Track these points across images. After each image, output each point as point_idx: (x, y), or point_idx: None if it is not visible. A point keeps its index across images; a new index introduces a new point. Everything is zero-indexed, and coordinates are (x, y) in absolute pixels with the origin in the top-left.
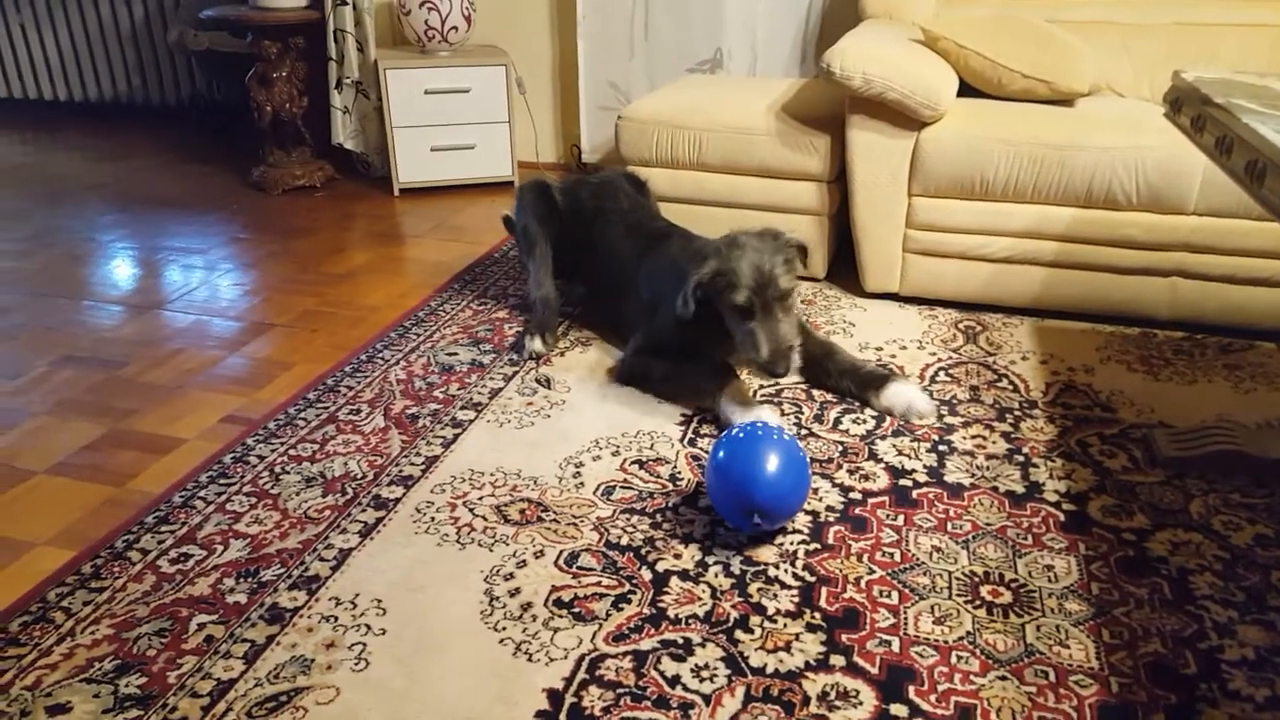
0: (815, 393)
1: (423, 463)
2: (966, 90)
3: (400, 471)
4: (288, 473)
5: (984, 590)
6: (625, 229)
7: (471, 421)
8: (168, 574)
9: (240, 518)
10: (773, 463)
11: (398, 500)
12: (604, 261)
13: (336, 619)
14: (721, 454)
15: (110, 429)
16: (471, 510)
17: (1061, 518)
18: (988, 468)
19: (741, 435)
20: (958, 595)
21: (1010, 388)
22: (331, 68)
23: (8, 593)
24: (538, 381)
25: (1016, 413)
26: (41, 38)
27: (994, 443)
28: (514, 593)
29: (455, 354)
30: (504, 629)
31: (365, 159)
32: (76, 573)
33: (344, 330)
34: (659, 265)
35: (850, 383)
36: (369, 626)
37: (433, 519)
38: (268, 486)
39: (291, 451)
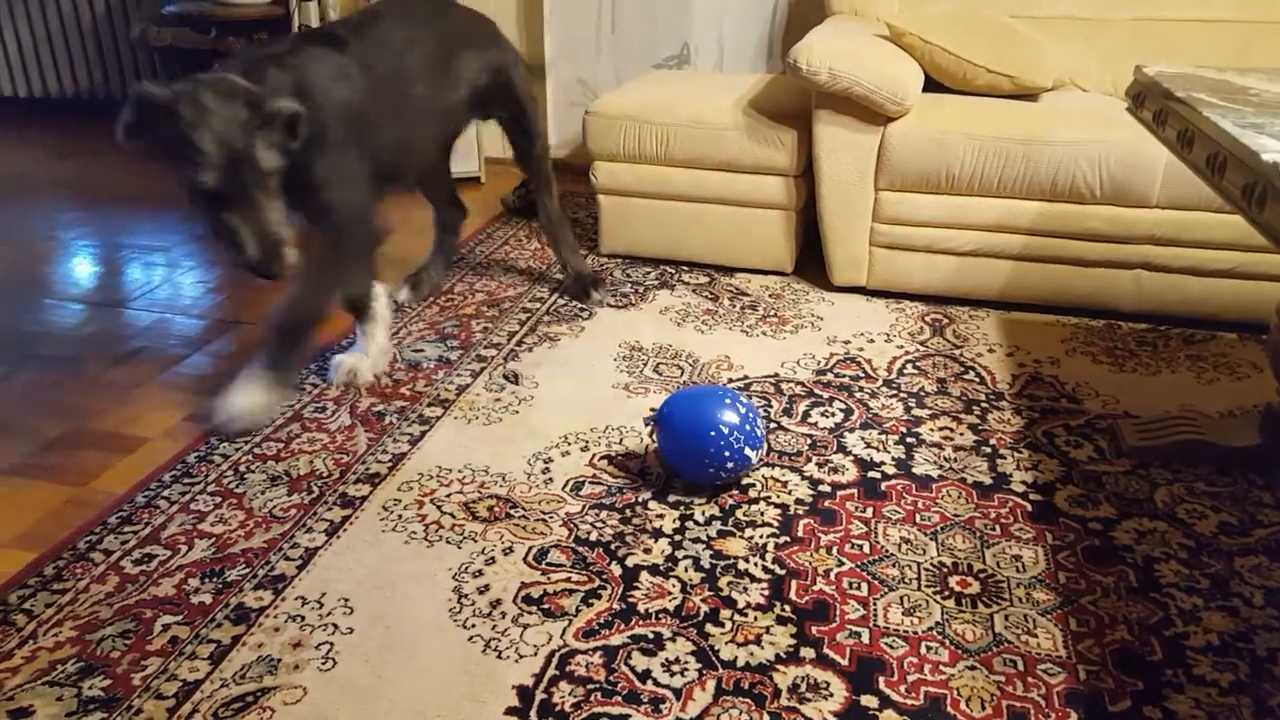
0: (784, 386)
1: (389, 460)
2: (932, 85)
3: (367, 469)
4: (253, 472)
5: (952, 581)
6: None
7: (439, 418)
8: (131, 575)
9: (205, 517)
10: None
11: (364, 498)
12: None
13: (303, 618)
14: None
15: (71, 428)
16: (439, 508)
17: (1029, 508)
18: (955, 459)
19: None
20: (926, 586)
21: (977, 380)
22: None
23: None
24: (505, 378)
25: (983, 404)
26: (2, 34)
27: (961, 434)
28: (483, 590)
29: (422, 350)
30: (473, 626)
31: None
32: (38, 574)
33: None
34: None
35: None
36: (336, 626)
37: (400, 517)
38: (232, 486)
39: (256, 450)
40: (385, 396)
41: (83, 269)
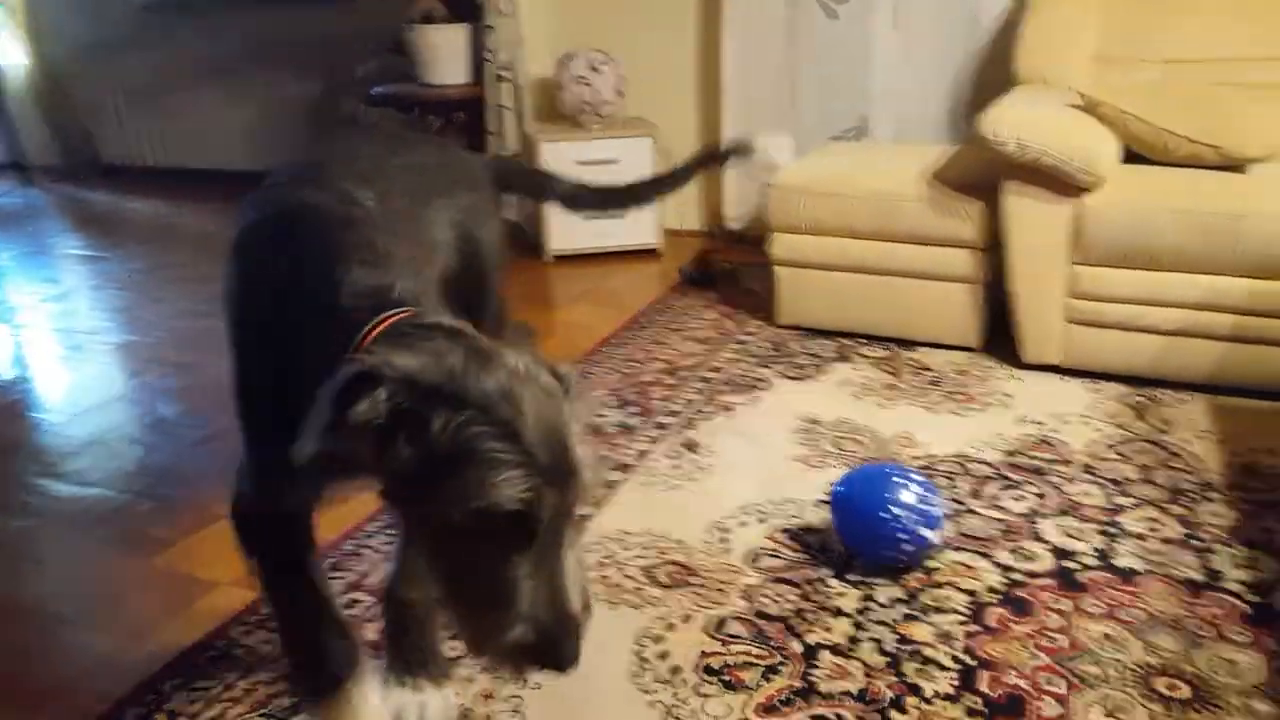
0: (971, 467)
1: None
2: (1132, 157)
3: None
4: None
5: (1160, 683)
6: None
7: (620, 482)
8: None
9: None
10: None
11: None
12: None
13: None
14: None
15: None
16: (621, 570)
17: (1246, 609)
18: (1161, 552)
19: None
20: (1131, 687)
21: (1185, 468)
22: (490, 141)
23: (197, 628)
24: (684, 445)
25: (1192, 495)
26: (230, 112)
27: (1168, 526)
28: (663, 656)
29: (604, 415)
30: (654, 692)
31: (520, 226)
32: (256, 612)
33: None
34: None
35: None
36: (525, 680)
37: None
38: None
39: None
40: None
41: None
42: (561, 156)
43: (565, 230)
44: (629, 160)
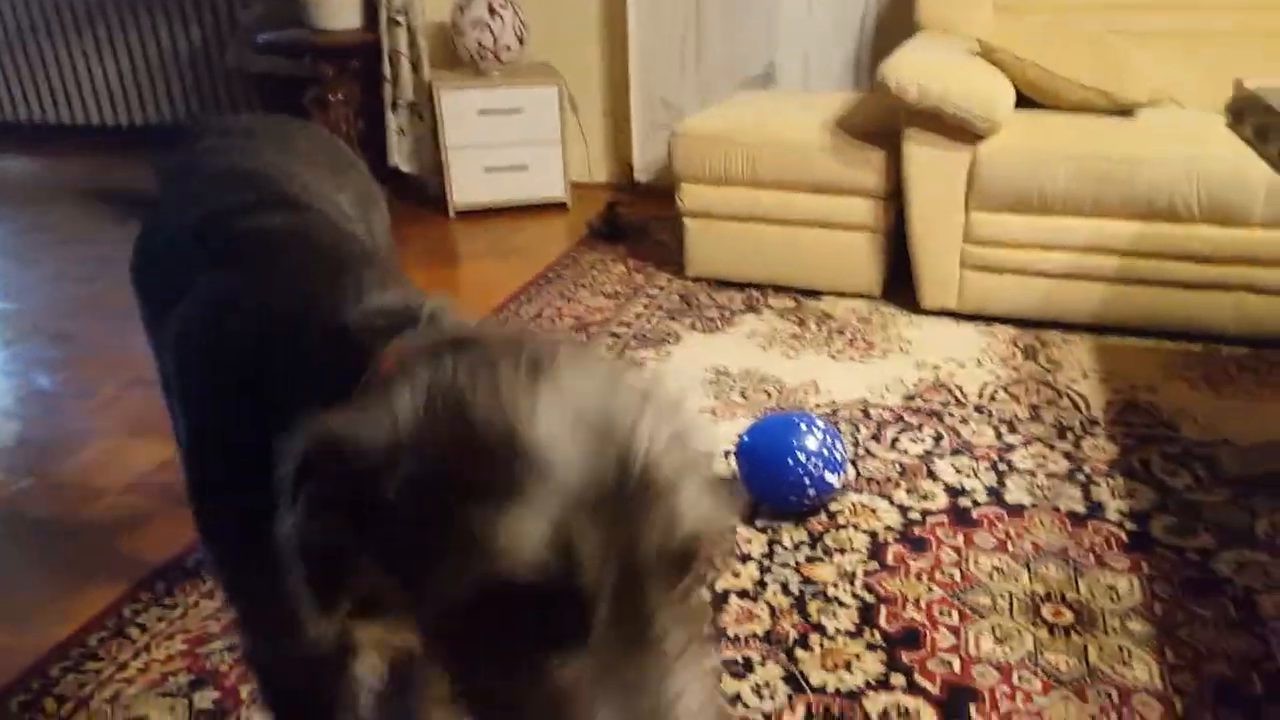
0: (872, 411)
1: None
2: (1024, 102)
3: None
4: None
5: (1045, 610)
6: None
7: None
8: None
9: None
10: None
11: None
12: None
13: None
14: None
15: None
16: None
17: (1124, 537)
18: (1048, 487)
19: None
20: (1019, 615)
21: (1071, 406)
22: (386, 89)
23: (87, 608)
24: None
25: (1077, 431)
26: (104, 63)
27: (1054, 462)
28: None
29: None
30: None
31: (421, 180)
32: (150, 590)
33: None
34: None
35: None
36: None
37: None
38: None
39: None
40: None
41: None
42: (462, 105)
43: (469, 184)
44: (535, 110)
